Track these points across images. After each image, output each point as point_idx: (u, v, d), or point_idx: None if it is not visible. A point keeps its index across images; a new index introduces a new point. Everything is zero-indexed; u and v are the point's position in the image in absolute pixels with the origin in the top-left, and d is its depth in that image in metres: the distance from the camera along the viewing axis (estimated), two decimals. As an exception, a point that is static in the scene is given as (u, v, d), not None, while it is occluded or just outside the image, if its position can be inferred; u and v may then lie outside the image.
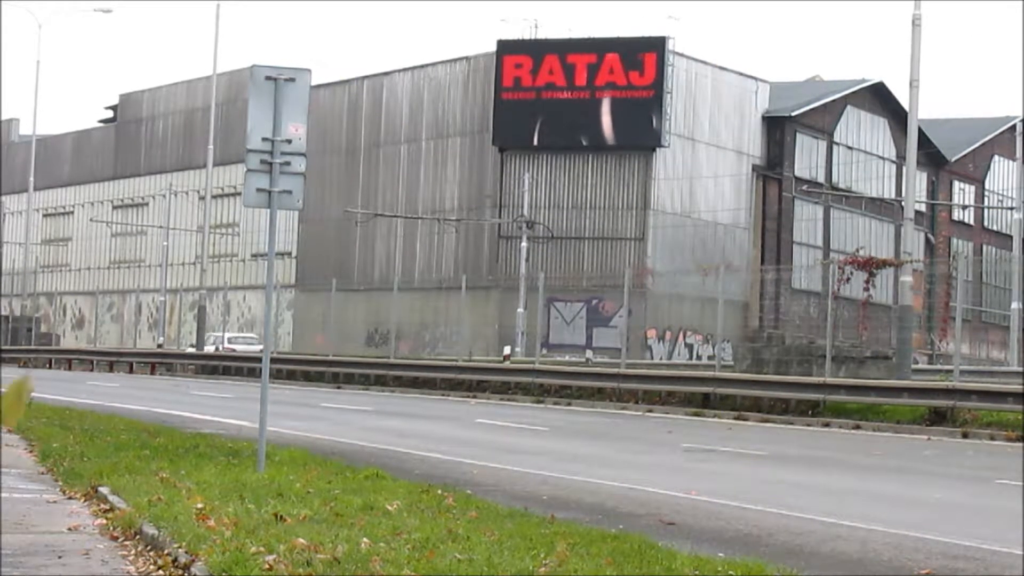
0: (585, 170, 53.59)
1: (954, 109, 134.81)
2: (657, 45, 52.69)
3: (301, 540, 8.47)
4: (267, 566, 7.84)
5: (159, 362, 49.96)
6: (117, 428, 18.30)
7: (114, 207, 73.16)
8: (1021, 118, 55.45)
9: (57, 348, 60.79)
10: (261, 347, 52.95)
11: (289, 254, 60.84)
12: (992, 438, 22.85)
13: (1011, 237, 53.87)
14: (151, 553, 9.17)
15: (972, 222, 69.24)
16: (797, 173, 57.75)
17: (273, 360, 31.97)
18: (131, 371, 49.49)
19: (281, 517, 9.66)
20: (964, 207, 67.48)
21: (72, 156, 77.21)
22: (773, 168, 57.34)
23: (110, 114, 76.85)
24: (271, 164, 13.01)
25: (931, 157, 62.52)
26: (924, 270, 46.70)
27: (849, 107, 60.69)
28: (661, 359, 49.74)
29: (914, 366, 32.89)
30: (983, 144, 68.59)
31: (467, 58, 56.43)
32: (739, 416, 27.60)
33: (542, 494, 12.88)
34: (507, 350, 43.92)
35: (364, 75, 60.54)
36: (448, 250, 55.80)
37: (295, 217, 56.63)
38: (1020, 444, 21.61)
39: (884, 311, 38.43)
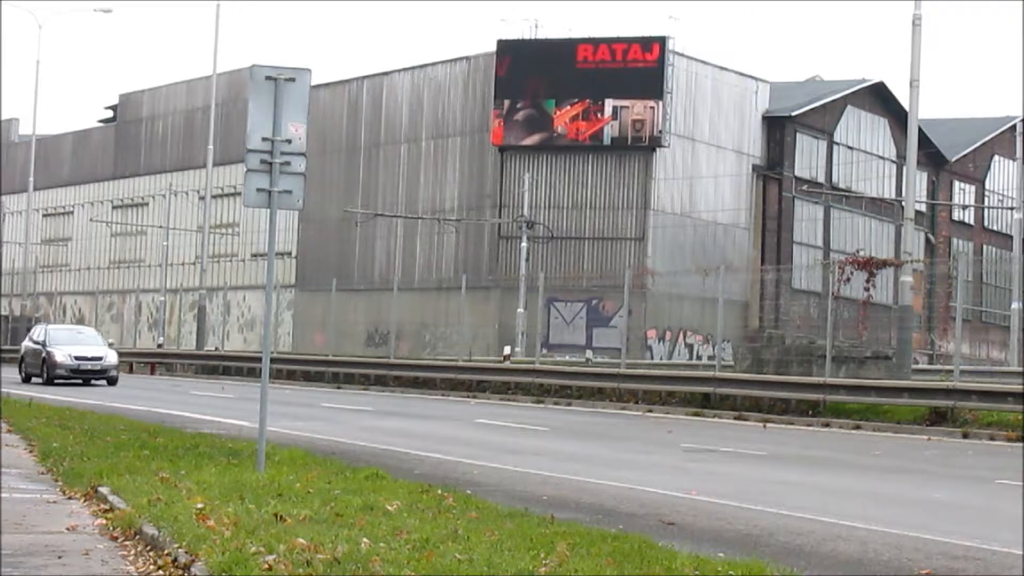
0: (585, 170, 53.55)
1: (954, 109, 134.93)
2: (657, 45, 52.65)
3: (301, 540, 8.47)
4: (267, 566, 7.85)
5: (159, 362, 49.98)
6: (117, 428, 18.29)
7: (114, 207, 73.13)
8: (1021, 118, 55.38)
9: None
10: None
11: (289, 254, 60.81)
12: (992, 438, 22.85)
13: (1011, 237, 53.83)
14: (151, 553, 9.18)
15: (972, 222, 69.21)
16: (797, 173, 57.71)
17: (273, 360, 31.96)
18: (131, 371, 49.50)
19: (281, 517, 9.66)
20: (964, 207, 67.44)
21: (72, 156, 77.17)
22: (773, 168, 57.31)
23: (110, 114, 76.79)
24: (271, 164, 13.00)
25: (931, 157, 62.49)
26: (924, 270, 46.57)
27: (849, 107, 60.66)
28: (661, 359, 49.68)
29: (914, 366, 32.87)
30: (983, 144, 68.54)
31: (467, 58, 56.40)
32: (739, 416, 27.61)
33: (542, 494, 12.88)
34: (507, 350, 43.89)
35: (364, 75, 60.50)
36: (448, 250, 55.77)
37: (295, 217, 56.58)
38: (1020, 444, 21.61)
39: (884, 311, 38.40)
